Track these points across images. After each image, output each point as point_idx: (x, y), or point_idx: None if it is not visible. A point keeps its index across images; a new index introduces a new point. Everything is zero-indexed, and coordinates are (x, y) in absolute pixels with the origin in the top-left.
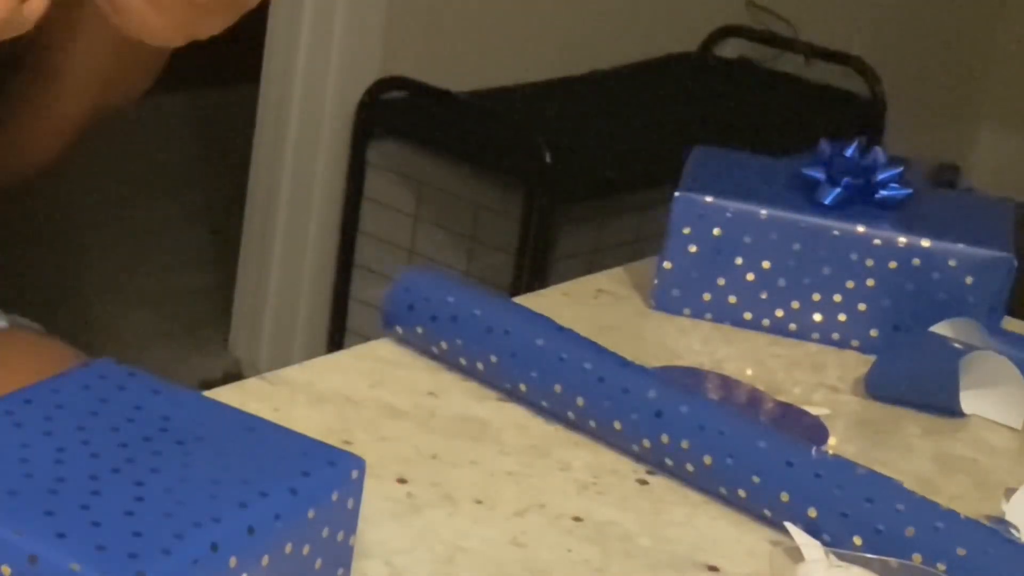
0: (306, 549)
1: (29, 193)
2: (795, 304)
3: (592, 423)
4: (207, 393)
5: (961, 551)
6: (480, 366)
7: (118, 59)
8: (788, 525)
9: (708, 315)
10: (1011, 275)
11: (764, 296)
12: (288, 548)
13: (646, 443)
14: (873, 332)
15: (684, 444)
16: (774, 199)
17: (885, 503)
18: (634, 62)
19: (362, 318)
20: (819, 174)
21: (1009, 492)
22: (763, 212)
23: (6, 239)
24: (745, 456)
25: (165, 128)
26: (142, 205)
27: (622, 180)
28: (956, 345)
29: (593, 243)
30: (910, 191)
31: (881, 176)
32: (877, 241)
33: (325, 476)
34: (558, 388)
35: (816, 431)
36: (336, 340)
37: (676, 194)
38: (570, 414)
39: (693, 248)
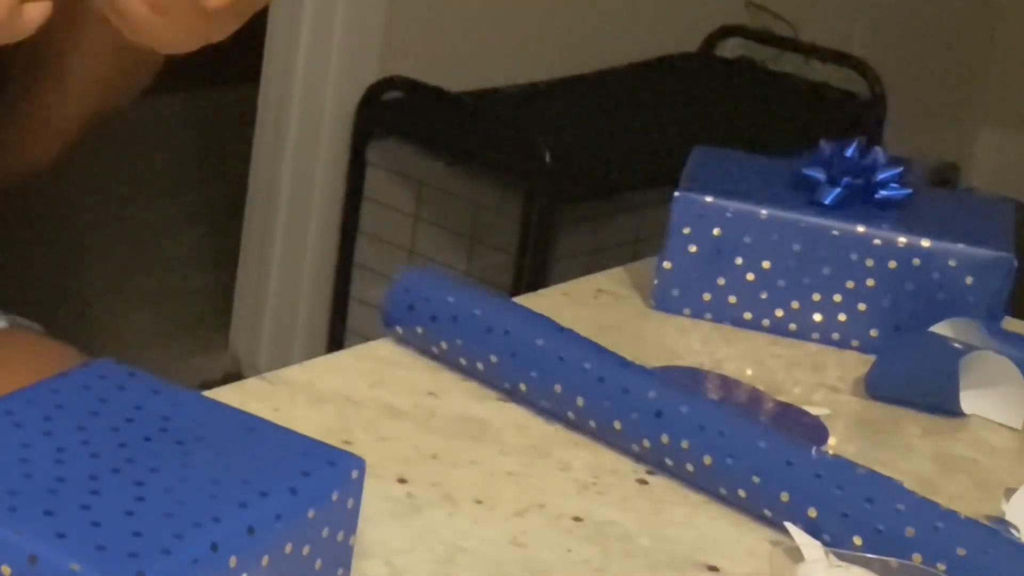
0: (306, 549)
1: (29, 193)
2: (795, 304)
3: (592, 423)
4: (207, 393)
5: (961, 551)
6: (480, 366)
7: (118, 60)
8: (788, 525)
9: (708, 315)
10: (1011, 275)
11: (764, 296)
12: (288, 548)
13: (646, 443)
14: (873, 332)
15: (684, 444)
16: (774, 199)
17: (885, 503)
18: (634, 62)
19: (362, 318)
20: (819, 174)
21: (1009, 492)
22: (763, 212)
23: (6, 239)
24: (745, 456)
25: (165, 128)
26: (142, 205)
27: (622, 180)
28: (956, 345)
29: (593, 243)
30: (910, 191)
31: (881, 176)
32: (877, 241)
33: (325, 476)
34: (558, 388)
35: (816, 431)
36: (336, 340)
37: (676, 194)
38: (570, 414)
39: (693, 248)
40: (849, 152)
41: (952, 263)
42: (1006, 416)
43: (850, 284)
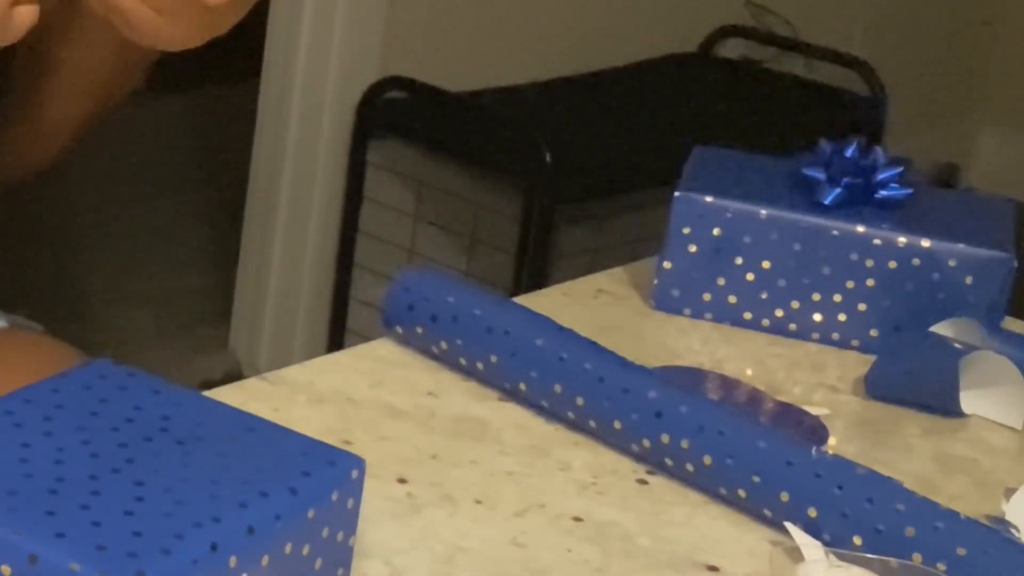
0: (306, 549)
1: (29, 193)
2: (795, 304)
3: (592, 423)
4: (207, 393)
5: (961, 551)
6: (480, 366)
7: (116, 58)
8: (788, 525)
9: (708, 315)
10: (1011, 275)
11: (764, 296)
12: (288, 548)
13: (646, 443)
14: (873, 332)
15: (684, 444)
16: (774, 199)
17: (885, 503)
18: (634, 62)
19: (362, 318)
20: (819, 174)
21: (1009, 492)
22: (763, 212)
23: (6, 239)
24: (745, 456)
25: (165, 128)
26: (142, 205)
27: (622, 180)
28: (956, 345)
29: (593, 243)
30: (910, 191)
31: (881, 176)
32: (877, 241)
33: (325, 476)
34: (558, 388)
35: (816, 431)
36: (336, 340)
37: (676, 194)
38: (570, 414)
39: (693, 248)
40: (849, 152)
41: (952, 263)
42: (1006, 416)
43: (850, 284)
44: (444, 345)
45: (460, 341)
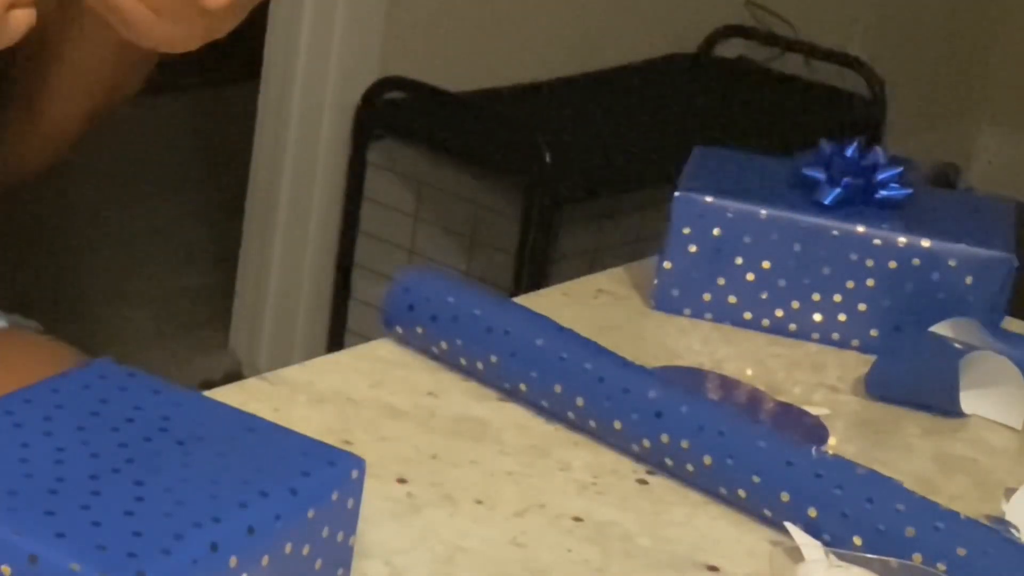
0: (306, 549)
1: (29, 193)
2: (795, 304)
3: (592, 423)
4: (207, 393)
5: (961, 551)
6: (480, 366)
7: (117, 58)
8: (788, 525)
9: (708, 315)
10: (1011, 275)
11: (764, 296)
12: (288, 548)
13: (646, 443)
14: (873, 332)
15: (684, 444)
16: (774, 199)
17: (885, 503)
18: (634, 62)
19: (362, 318)
20: (819, 174)
21: (1009, 492)
22: (763, 212)
23: (6, 239)
24: (745, 456)
25: (165, 128)
26: (142, 205)
27: (622, 180)
28: (956, 345)
29: (593, 243)
30: (910, 191)
31: (881, 176)
32: (877, 241)
33: (325, 476)
34: (558, 388)
35: (816, 431)
36: (336, 340)
37: (676, 194)
38: (570, 414)
39: (693, 248)
40: (849, 152)
41: (952, 263)
42: (1006, 416)
43: (850, 284)
44: (444, 345)
45: (460, 341)
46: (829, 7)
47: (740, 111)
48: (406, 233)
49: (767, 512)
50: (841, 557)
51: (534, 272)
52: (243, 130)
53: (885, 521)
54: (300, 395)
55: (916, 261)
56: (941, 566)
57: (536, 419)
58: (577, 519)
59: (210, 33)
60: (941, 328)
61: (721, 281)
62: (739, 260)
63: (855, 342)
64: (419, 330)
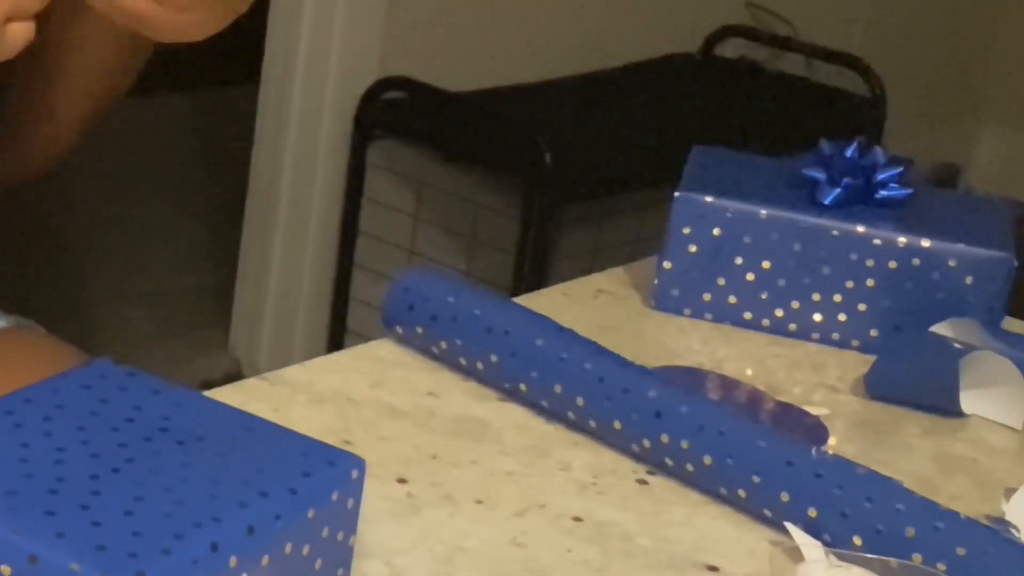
0: (306, 549)
1: (29, 193)
2: (795, 304)
3: (592, 423)
4: (207, 393)
5: (961, 551)
6: (480, 366)
7: (116, 59)
8: (788, 525)
9: (708, 315)
10: (1011, 275)
11: (764, 296)
12: (288, 548)
13: (646, 443)
14: (873, 332)
15: (684, 444)
16: (774, 199)
17: (885, 503)
18: (634, 62)
19: (362, 318)
20: (819, 174)
21: (1009, 492)
22: (763, 212)
23: (6, 239)
24: (745, 456)
25: (165, 128)
26: (142, 205)
27: (622, 180)
28: (956, 345)
29: (593, 243)
30: (910, 191)
31: (881, 176)
32: (877, 241)
33: (325, 476)
34: (558, 388)
35: (816, 431)
36: (336, 340)
37: (676, 194)
38: (570, 414)
39: (693, 248)
40: (849, 152)
41: (952, 263)
42: (1006, 416)
43: (850, 284)
44: (444, 345)
45: (460, 341)
46: (829, 7)
47: (740, 111)
48: (406, 233)
49: (767, 512)
50: (841, 557)
51: (534, 272)
52: (243, 130)
53: (885, 521)
54: (300, 395)
55: (916, 261)
56: (941, 566)
57: (536, 419)
58: (577, 519)
59: (227, 14)
60: (941, 328)
61: (721, 281)
62: (739, 260)
63: (855, 342)
64: (419, 330)
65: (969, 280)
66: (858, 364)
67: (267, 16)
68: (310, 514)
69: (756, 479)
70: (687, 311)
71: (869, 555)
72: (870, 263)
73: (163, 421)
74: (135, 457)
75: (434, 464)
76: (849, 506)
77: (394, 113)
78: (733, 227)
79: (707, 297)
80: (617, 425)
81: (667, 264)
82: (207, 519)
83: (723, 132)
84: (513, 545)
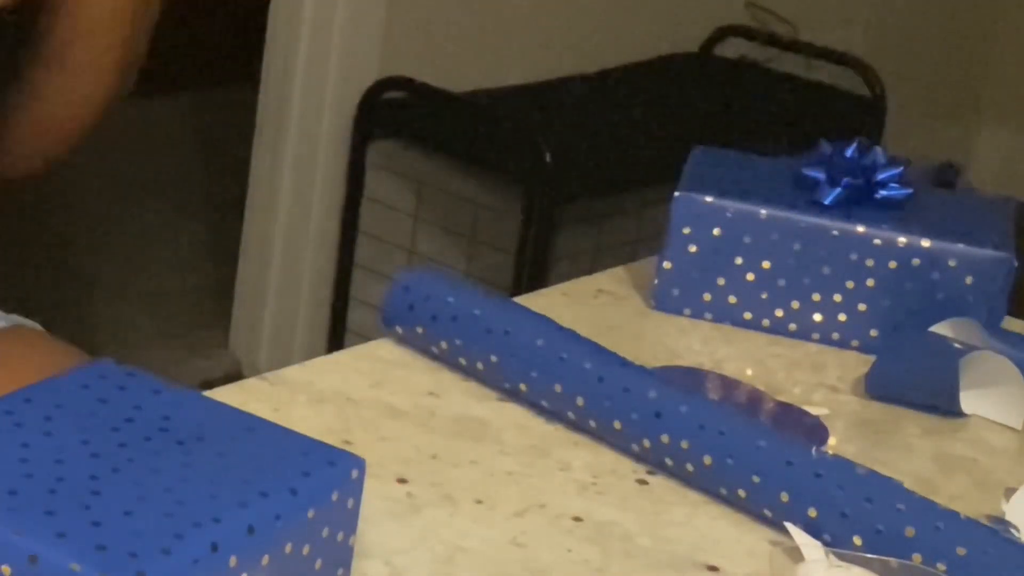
0: (306, 549)
1: (29, 193)
2: (795, 304)
3: (592, 423)
4: (207, 393)
5: (961, 551)
6: (480, 366)
7: (133, 39)
8: (788, 525)
9: (708, 315)
10: (1011, 275)
11: (764, 296)
12: (288, 548)
13: (646, 443)
14: (873, 332)
15: (684, 444)
16: (774, 199)
17: (885, 503)
18: (634, 62)
19: (362, 318)
20: (819, 174)
21: (1009, 492)
22: (763, 212)
23: (7, 239)
24: (745, 456)
25: (165, 129)
26: (142, 205)
27: (622, 180)
28: (956, 345)
29: (593, 243)
30: (910, 191)
31: (881, 176)
32: (877, 241)
33: (325, 476)
34: (558, 388)
35: (816, 431)
36: (336, 340)
37: (676, 194)
38: (570, 414)
39: (693, 248)
40: (849, 152)
41: (952, 263)
42: (1006, 416)
43: (850, 284)
44: (444, 345)
45: (460, 341)
46: (829, 7)
47: (740, 111)
48: (406, 233)
49: (767, 512)
50: (841, 557)
51: (534, 272)
52: (243, 130)
53: (885, 521)
54: (300, 395)
55: (916, 261)
56: (941, 566)
57: (536, 419)
58: (577, 519)
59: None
60: (941, 328)
61: (721, 281)
62: (739, 260)
63: (855, 342)
64: (419, 330)
65: (969, 280)
66: (858, 364)
67: (267, 16)
68: (310, 514)
69: (756, 479)
70: (687, 311)
71: (869, 555)
72: (870, 263)
73: (163, 421)
74: (135, 457)
75: (434, 464)
76: (849, 506)
77: (394, 113)
78: (733, 227)
79: (707, 297)
80: (617, 425)
81: (667, 264)
82: (207, 519)
83: (723, 132)
84: (513, 545)
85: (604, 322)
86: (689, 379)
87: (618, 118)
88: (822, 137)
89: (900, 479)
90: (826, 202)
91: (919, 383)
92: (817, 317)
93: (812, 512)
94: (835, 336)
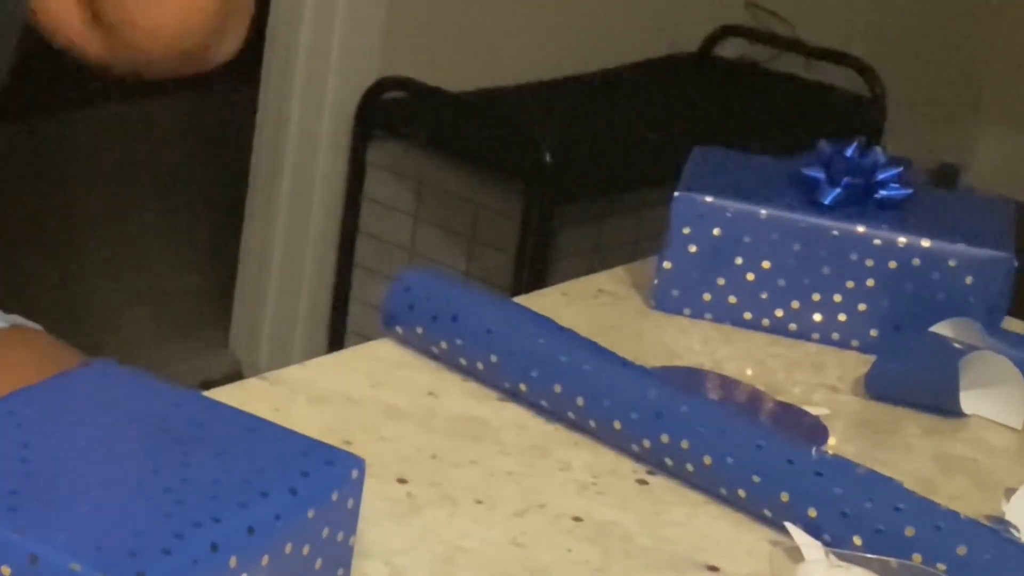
0: (306, 549)
1: (30, 194)
2: (795, 304)
3: (592, 423)
4: (207, 393)
5: (961, 551)
6: (480, 366)
7: None
8: (788, 525)
9: (708, 315)
10: (1011, 275)
11: (764, 296)
12: (288, 548)
13: (646, 443)
14: (873, 332)
15: (684, 444)
16: (774, 199)
17: (885, 503)
18: (634, 62)
19: (362, 318)
20: (819, 174)
21: (1009, 492)
22: (763, 212)
23: (7, 239)
24: (745, 456)
25: (165, 128)
26: (142, 205)
27: (622, 180)
28: (956, 345)
29: (593, 243)
30: (910, 191)
31: (881, 176)
32: (877, 241)
33: (325, 476)
34: (558, 388)
35: (816, 431)
36: (336, 340)
37: (676, 194)
38: (570, 414)
39: (693, 248)
40: (849, 152)
41: (952, 263)
42: (1006, 416)
43: (850, 284)
44: (444, 345)
45: (460, 341)
46: (829, 7)
47: (740, 111)
48: (406, 233)
49: (767, 512)
50: (841, 557)
51: (534, 272)
52: (243, 130)
53: (885, 521)
54: (300, 395)
55: (916, 261)
56: (941, 566)
57: (536, 419)
58: (577, 519)
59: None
60: (941, 328)
61: (721, 281)
62: (739, 260)
63: (855, 342)
64: (419, 330)
65: (969, 280)
66: (858, 364)
67: (267, 16)
68: (310, 514)
69: (756, 479)
70: (687, 311)
71: (869, 555)
72: (870, 263)
73: (163, 421)
74: (135, 457)
75: (434, 464)
76: (849, 506)
77: (394, 113)
78: (733, 227)
79: (707, 297)
80: (617, 425)
81: (667, 264)
82: (207, 519)
83: (723, 132)
84: (513, 545)
85: (604, 322)
86: (689, 379)
87: (618, 118)
88: (822, 137)
89: (900, 479)
90: (826, 202)
91: (919, 383)
92: (817, 317)
93: (812, 512)
94: (835, 336)
